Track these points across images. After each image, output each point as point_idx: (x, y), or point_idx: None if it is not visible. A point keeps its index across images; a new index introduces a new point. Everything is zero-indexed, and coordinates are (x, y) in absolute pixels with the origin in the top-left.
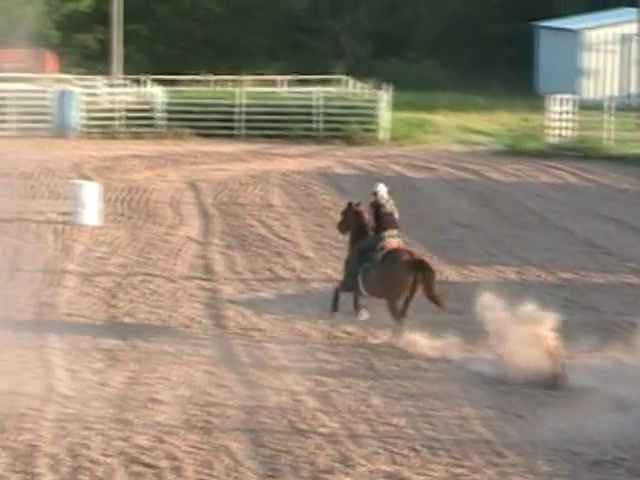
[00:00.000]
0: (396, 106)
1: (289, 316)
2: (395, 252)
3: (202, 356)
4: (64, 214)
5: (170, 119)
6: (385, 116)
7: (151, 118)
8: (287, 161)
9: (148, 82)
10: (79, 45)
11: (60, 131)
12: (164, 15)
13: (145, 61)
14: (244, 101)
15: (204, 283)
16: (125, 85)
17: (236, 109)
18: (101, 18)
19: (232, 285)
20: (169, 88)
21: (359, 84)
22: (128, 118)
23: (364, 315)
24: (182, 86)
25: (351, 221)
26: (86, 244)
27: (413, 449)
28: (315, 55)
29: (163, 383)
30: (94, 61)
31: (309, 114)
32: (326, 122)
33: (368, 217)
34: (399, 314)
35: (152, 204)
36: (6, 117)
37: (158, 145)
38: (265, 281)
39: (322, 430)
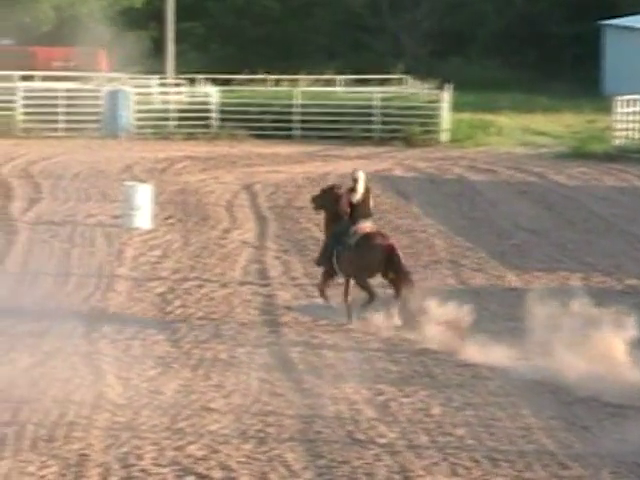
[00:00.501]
0: (457, 107)
1: (346, 322)
2: (368, 235)
3: (257, 363)
4: (115, 217)
5: (224, 120)
6: (446, 117)
7: (205, 119)
8: (345, 163)
9: (202, 81)
10: (133, 43)
11: (111, 132)
12: (218, 12)
13: (199, 59)
14: (301, 101)
15: (259, 288)
16: (179, 84)
17: (292, 109)
18: (155, 15)
19: (288, 290)
20: (224, 88)
21: (419, 84)
22: (181, 118)
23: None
24: (237, 86)
25: (328, 203)
26: (138, 248)
27: (474, 460)
28: (374, 54)
29: (217, 391)
30: (148, 59)
31: (368, 115)
32: (385, 123)
33: (344, 202)
34: (372, 290)
35: (206, 207)
36: (57, 117)
37: (212, 146)
38: None
39: (380, 440)
